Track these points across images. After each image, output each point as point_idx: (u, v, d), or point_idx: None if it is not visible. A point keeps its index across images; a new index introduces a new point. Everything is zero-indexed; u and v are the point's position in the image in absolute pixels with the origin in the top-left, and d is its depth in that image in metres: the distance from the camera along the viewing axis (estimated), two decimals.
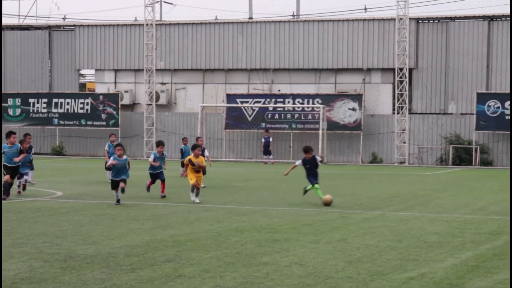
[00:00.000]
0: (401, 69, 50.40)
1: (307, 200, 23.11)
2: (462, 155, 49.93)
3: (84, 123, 55.56)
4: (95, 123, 55.44)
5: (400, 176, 36.91)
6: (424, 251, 13.40)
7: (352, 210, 20.44)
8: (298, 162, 22.71)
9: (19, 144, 22.51)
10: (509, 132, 48.62)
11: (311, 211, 19.89)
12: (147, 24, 54.06)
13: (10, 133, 22.31)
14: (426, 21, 52.06)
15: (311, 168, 22.41)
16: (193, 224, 16.86)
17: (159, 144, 24.72)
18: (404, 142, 51.06)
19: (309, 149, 22.70)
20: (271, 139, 51.21)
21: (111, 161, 21.43)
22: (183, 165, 29.76)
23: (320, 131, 51.30)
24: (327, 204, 21.19)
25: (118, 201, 20.91)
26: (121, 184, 20.85)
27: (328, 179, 34.12)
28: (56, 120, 55.95)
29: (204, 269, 10.91)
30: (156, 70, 54.75)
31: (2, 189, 21.47)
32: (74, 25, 58.47)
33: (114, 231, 15.48)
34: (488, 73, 50.71)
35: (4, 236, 14.38)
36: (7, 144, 22.07)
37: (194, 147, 22.69)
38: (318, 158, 22.72)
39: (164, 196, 23.35)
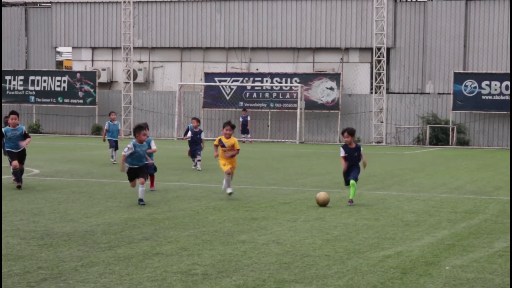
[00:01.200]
0: (379, 49, 50.46)
1: (285, 178, 23.15)
2: (439, 135, 50.17)
3: (61, 101, 55.28)
4: (72, 101, 55.18)
5: (378, 156, 37.03)
6: (401, 229, 13.48)
7: (329, 189, 20.49)
8: (341, 151, 17.33)
9: (23, 127, 19.44)
10: (485, 112, 48.88)
11: (288, 190, 19.92)
12: (124, 2, 53.74)
13: (11, 113, 19.27)
14: (404, 0, 52.11)
15: (351, 159, 17.22)
16: (170, 202, 16.85)
17: (141, 128, 16.99)
18: (382, 122, 51.20)
19: (352, 131, 17.33)
20: (249, 118, 51.19)
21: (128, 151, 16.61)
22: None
23: (298, 110, 51.32)
24: (322, 203, 16.56)
25: (140, 200, 16.29)
26: (140, 179, 16.52)
27: (306, 158, 34.18)
28: (32, 98, 55.63)
29: (182, 247, 10.92)
30: (134, 48, 54.50)
31: (14, 177, 19.28)
32: (50, 2, 57.97)
33: (91, 209, 15.45)
34: (466, 53, 50.88)
35: None
36: (9, 126, 19.19)
37: (226, 124, 18.56)
38: (362, 152, 17.31)
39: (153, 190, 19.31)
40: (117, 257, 10.38)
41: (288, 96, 52.67)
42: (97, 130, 54.32)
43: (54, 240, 11.51)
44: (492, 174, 26.56)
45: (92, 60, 57.23)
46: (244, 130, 51.06)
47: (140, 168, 16.59)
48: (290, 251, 11.14)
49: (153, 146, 18.17)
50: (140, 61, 56.21)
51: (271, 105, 52.90)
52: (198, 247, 11.24)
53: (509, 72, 48.82)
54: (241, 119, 51.33)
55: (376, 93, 51.20)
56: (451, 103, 49.66)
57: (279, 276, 9.41)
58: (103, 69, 56.24)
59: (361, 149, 17.26)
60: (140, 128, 16.71)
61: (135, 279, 9.07)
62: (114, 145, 28.76)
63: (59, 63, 65.27)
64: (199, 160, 26.52)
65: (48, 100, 55.39)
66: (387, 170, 27.46)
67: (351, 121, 52.08)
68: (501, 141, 49.53)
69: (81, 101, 55.05)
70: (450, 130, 49.81)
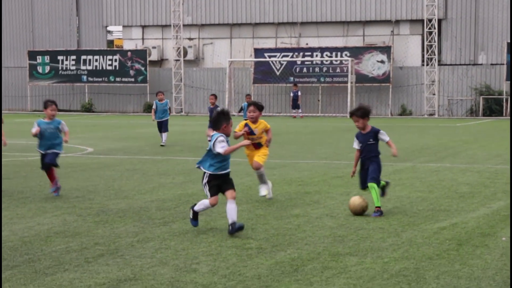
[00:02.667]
0: (430, 20, 49.89)
1: (337, 152, 23.09)
2: (492, 106, 49.55)
3: (112, 79, 55.70)
4: (123, 79, 55.56)
5: (430, 128, 36.72)
6: (456, 201, 13.37)
7: (382, 162, 20.37)
8: (355, 141, 12.51)
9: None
10: None
11: (340, 164, 19.86)
12: None
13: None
14: None
15: (365, 150, 12.33)
16: None
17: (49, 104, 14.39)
18: (434, 94, 50.72)
19: (364, 112, 12.32)
20: (299, 93, 51.07)
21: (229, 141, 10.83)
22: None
23: (349, 84, 51.06)
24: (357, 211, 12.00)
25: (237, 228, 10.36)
26: (231, 193, 10.64)
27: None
28: (85, 77, 56.12)
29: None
30: (184, 25, 54.59)
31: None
32: None
33: (145, 185, 15.58)
34: None
35: (37, 192, 14.54)
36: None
37: (250, 104, 14.11)
38: (385, 138, 12.22)
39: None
40: (172, 233, 10.47)
41: (338, 70, 52.41)
42: (148, 108, 54.60)
43: (110, 217, 11.64)
44: None
45: (143, 39, 57.50)
46: (295, 105, 50.97)
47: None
48: (344, 224, 11.13)
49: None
50: (190, 39, 56.33)
51: (322, 79, 52.69)
52: (252, 222, 11.28)
53: None
54: (291, 94, 51.24)
55: (427, 65, 50.68)
56: (504, 74, 48.97)
57: (334, 249, 9.42)
58: (154, 47, 56.50)
59: (381, 133, 12.14)
60: None
61: (191, 254, 9.14)
62: (161, 127, 26.67)
63: (110, 42, 65.71)
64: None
65: (100, 79, 55.85)
66: (440, 142, 27.22)
67: (402, 94, 51.68)
68: None
69: (132, 79, 55.41)
70: (504, 101, 49.15)
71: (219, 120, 10.52)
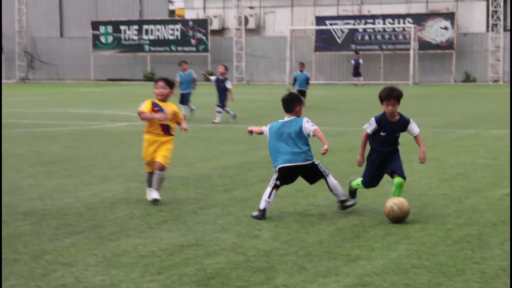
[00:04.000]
0: None
1: None
2: None
3: (174, 49, 55.97)
4: (185, 49, 55.78)
5: (494, 95, 36.17)
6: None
7: (445, 129, 20.18)
8: (370, 123, 9.77)
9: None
10: None
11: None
12: None
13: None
14: None
15: (389, 142, 9.76)
16: None
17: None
18: (499, 60, 49.90)
19: (399, 95, 9.62)
20: (361, 61, 50.71)
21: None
22: (300, 92, 26.61)
23: (412, 52, 50.51)
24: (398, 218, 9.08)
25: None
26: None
27: (421, 99, 33.69)
28: (147, 47, 56.49)
29: (297, 189, 10.95)
30: None
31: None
32: None
33: (207, 153, 15.68)
34: None
35: (101, 159, 14.73)
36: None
37: (159, 80, 11.14)
38: (415, 130, 9.76)
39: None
40: (233, 199, 10.53)
41: (400, 37, 51.88)
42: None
43: (172, 184, 11.74)
44: None
45: (204, 8, 57.62)
46: (356, 73, 50.66)
47: None
48: (406, 191, 11.04)
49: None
50: (251, 7, 56.25)
51: (384, 47, 52.21)
52: (313, 189, 11.25)
53: None
54: (353, 62, 50.92)
55: (492, 31, 49.83)
56: None
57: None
58: (215, 17, 56.59)
59: (412, 123, 9.66)
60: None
61: (253, 220, 9.18)
62: (185, 100, 25.20)
63: (171, 12, 65.98)
64: (219, 112, 23.32)
65: (161, 49, 56.16)
66: (505, 109, 26.80)
67: (466, 60, 50.98)
68: None
69: (194, 48, 55.62)
70: None
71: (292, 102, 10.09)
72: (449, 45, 50.79)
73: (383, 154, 9.69)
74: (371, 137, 9.74)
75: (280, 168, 9.52)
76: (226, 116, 23.97)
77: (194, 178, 12.39)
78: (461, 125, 21.35)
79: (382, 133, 9.62)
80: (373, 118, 9.71)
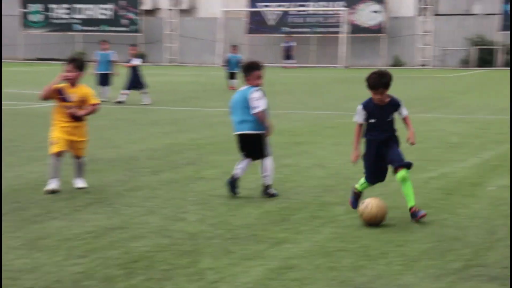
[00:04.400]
0: None
1: (329, 103, 23.07)
2: (485, 57, 49.49)
3: (106, 29, 55.36)
4: (117, 29, 55.22)
5: (423, 79, 36.67)
6: (446, 151, 13.40)
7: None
8: (358, 112, 8.78)
9: None
10: None
11: (332, 114, 19.86)
12: None
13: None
14: None
15: (383, 128, 8.69)
16: (213, 127, 16.89)
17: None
18: (427, 45, 50.55)
19: (386, 82, 8.72)
20: (292, 44, 50.86)
21: None
22: (231, 76, 27.91)
23: (343, 35, 50.85)
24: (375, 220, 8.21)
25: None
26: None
27: (350, 83, 33.97)
28: (78, 26, 55.75)
29: (225, 172, 10.95)
30: None
31: None
32: None
33: (135, 135, 15.57)
34: None
35: (27, 140, 14.49)
36: None
37: (69, 61, 10.22)
38: (404, 112, 8.81)
39: None
40: (161, 181, 10.48)
41: (332, 20, 52.16)
42: (141, 58, 54.44)
43: (99, 166, 11.63)
44: None
45: None
46: (288, 56, 50.80)
47: None
48: (333, 174, 11.15)
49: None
50: None
51: (316, 30, 52.45)
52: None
53: None
54: (284, 45, 51.03)
55: (422, 15, 50.43)
56: (498, 24, 48.80)
57: (323, 199, 9.44)
58: None
59: (402, 106, 8.73)
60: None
61: (179, 203, 9.16)
62: (103, 81, 24.33)
63: None
64: (144, 93, 23.02)
65: (93, 29, 55.51)
66: (432, 93, 27.21)
67: (396, 44, 51.53)
68: None
69: (126, 29, 55.09)
70: (497, 51, 49.06)
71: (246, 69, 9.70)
72: (379, 29, 51.27)
73: (378, 143, 8.55)
74: (368, 121, 8.61)
75: (235, 137, 9.71)
76: (157, 98, 23.86)
77: (121, 160, 12.29)
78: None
79: (372, 120, 8.56)
80: (360, 106, 8.70)
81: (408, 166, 8.43)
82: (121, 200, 9.28)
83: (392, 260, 6.83)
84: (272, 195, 9.53)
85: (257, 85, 9.59)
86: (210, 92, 26.65)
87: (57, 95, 9.86)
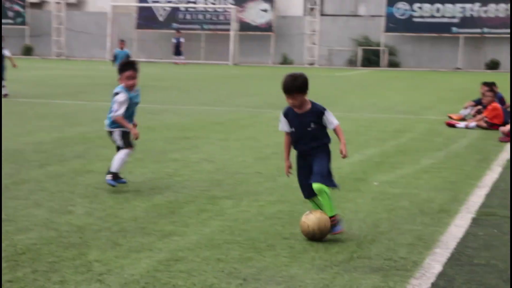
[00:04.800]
0: None
1: (218, 99, 23.18)
2: (370, 57, 50.60)
3: None
4: (3, 21, 53.98)
5: (310, 78, 37.13)
6: (331, 147, 13.62)
7: (261, 109, 20.59)
8: (281, 120, 7.88)
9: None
10: (416, 34, 49.31)
11: (220, 110, 19.97)
12: None
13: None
14: None
15: (303, 138, 7.70)
16: (102, 121, 16.58)
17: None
18: (314, 44, 51.30)
19: (299, 86, 7.64)
20: (182, 40, 50.80)
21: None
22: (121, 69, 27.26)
23: (232, 32, 51.07)
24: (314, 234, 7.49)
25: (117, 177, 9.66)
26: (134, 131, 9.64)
27: (239, 79, 34.18)
28: None
29: None
30: None
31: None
32: None
33: (21, 128, 15.30)
34: None
35: None
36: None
37: None
38: (333, 121, 7.66)
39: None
40: (48, 175, 10.35)
41: (222, 18, 52.34)
42: (27, 51, 53.35)
43: None
44: (421, 95, 26.98)
45: None
46: (177, 52, 50.72)
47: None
48: (221, 169, 11.24)
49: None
50: None
51: (205, 27, 52.52)
52: (130, 165, 11.23)
53: None
54: (174, 41, 50.92)
55: (309, 15, 51.15)
56: (383, 26, 49.95)
57: (210, 193, 9.51)
58: None
59: (328, 113, 7.62)
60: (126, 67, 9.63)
61: (67, 196, 9.07)
62: None
63: None
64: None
65: None
66: (319, 91, 27.63)
67: (284, 43, 52.09)
68: (430, 63, 50.15)
69: (11, 21, 53.88)
70: (382, 52, 50.21)
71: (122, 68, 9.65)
72: (268, 27, 51.72)
73: (304, 154, 7.70)
74: (293, 134, 7.74)
75: None
76: (45, 92, 23.47)
77: (7, 153, 12.06)
78: (277, 105, 21.84)
79: (292, 129, 7.70)
80: (281, 112, 7.81)
81: (322, 180, 7.51)
82: (6, 193, 9.12)
83: (279, 252, 6.95)
84: (109, 183, 9.48)
85: (127, 86, 9.48)
86: (99, 86, 26.38)
87: None
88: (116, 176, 9.55)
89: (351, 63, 51.09)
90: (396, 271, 6.41)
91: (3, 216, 8.01)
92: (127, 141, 9.71)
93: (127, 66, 9.56)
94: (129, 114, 9.68)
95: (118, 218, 8.10)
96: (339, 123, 7.73)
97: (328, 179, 7.63)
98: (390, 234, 7.65)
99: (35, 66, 26.61)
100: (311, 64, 51.26)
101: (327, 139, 7.75)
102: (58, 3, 53.63)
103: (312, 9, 51.16)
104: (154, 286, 5.92)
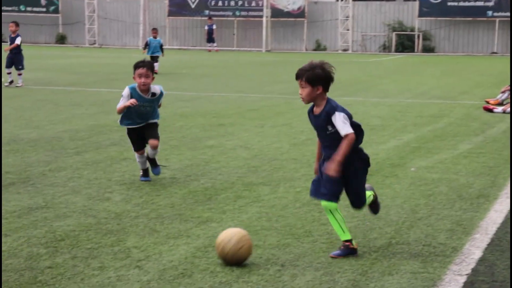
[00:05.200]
0: None
1: (252, 86, 23.14)
2: (404, 42, 50.23)
3: (23, 9, 54.34)
4: (34, 9, 54.27)
5: (344, 63, 37.03)
6: (367, 133, 13.41)
7: (295, 96, 20.49)
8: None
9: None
10: (451, 19, 48.89)
11: (255, 97, 19.93)
12: None
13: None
14: None
15: (323, 141, 6.78)
16: None
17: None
18: (348, 30, 51.05)
19: (313, 73, 6.43)
20: (214, 27, 50.79)
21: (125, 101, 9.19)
22: (152, 58, 27.18)
23: (264, 19, 50.97)
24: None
25: (146, 171, 9.50)
26: (152, 142, 9.40)
27: (272, 66, 34.11)
28: None
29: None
30: None
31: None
32: None
33: (57, 116, 15.37)
34: None
35: None
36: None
37: None
38: (340, 128, 6.46)
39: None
40: (85, 162, 10.39)
41: (254, 4, 52.22)
42: (61, 39, 53.66)
43: (21, 146, 11.47)
44: (457, 80, 26.73)
45: None
46: (210, 39, 50.71)
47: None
48: (257, 155, 11.21)
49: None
50: None
51: (237, 13, 52.44)
52: (166, 152, 11.26)
53: None
54: (206, 28, 50.92)
55: (342, 0, 50.89)
56: (417, 10, 49.56)
57: (247, 179, 9.49)
58: None
59: (336, 116, 6.49)
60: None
61: (104, 183, 9.10)
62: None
63: None
64: (20, 74, 22.22)
65: (9, 8, 54.41)
66: (353, 77, 27.51)
67: (317, 29, 51.88)
68: (466, 47, 49.69)
69: (44, 9, 54.18)
70: (416, 37, 49.85)
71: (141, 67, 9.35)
72: (300, 13, 51.53)
73: (324, 158, 6.80)
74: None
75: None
76: (86, 81, 23.56)
77: (43, 141, 12.13)
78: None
79: (316, 131, 6.83)
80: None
81: (326, 197, 6.52)
82: (44, 180, 9.17)
83: (316, 238, 6.92)
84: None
85: (139, 84, 9.17)
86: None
87: None
88: (143, 173, 9.47)
89: (385, 48, 50.79)
90: (435, 257, 6.36)
91: (41, 203, 8.05)
92: (132, 140, 9.44)
93: (139, 64, 9.28)
94: (138, 114, 9.27)
95: (155, 204, 8.11)
96: (352, 132, 6.44)
97: (332, 196, 6.50)
98: (429, 220, 7.58)
99: (68, 54, 26.69)
100: (345, 50, 51.05)
101: (336, 143, 6.53)
102: None
103: None
104: (192, 272, 5.92)
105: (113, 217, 7.55)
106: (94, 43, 53.80)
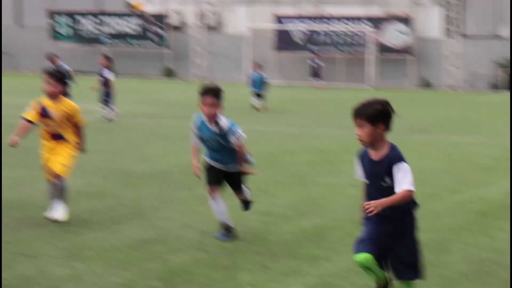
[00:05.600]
0: None
1: None
2: None
3: (133, 43, 55.68)
4: (143, 43, 55.52)
5: (452, 101, 36.60)
6: (478, 174, 13.36)
7: (403, 133, 20.36)
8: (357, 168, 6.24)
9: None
10: None
11: None
12: None
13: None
14: None
15: (375, 193, 5.86)
16: (246, 145, 16.89)
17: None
18: (455, 67, 50.48)
19: (374, 109, 6.27)
20: (320, 62, 50.93)
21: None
22: (258, 95, 27.05)
23: (370, 55, 50.89)
24: None
25: (227, 230, 8.39)
26: (240, 197, 8.83)
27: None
28: (105, 40, 56.12)
29: (259, 189, 10.98)
30: None
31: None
32: None
33: (167, 149, 15.65)
34: None
35: None
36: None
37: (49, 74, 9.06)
38: (404, 184, 5.77)
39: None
40: (195, 196, 10.52)
41: (359, 40, 52.20)
42: (168, 73, 54.72)
43: (134, 179, 11.72)
44: None
45: (163, 2, 57.38)
46: (315, 74, 50.87)
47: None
48: None
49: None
50: (210, 4, 56.19)
51: (342, 49, 52.51)
52: (275, 189, 11.33)
53: None
54: (312, 63, 51.12)
55: (449, 37, 50.42)
56: None
57: (356, 218, 9.42)
58: (174, 12, 56.41)
59: (399, 166, 5.99)
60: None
61: (215, 218, 9.18)
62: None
63: (127, 4, 65.56)
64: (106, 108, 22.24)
65: (120, 42, 55.81)
66: (462, 115, 27.14)
67: (423, 66, 51.47)
68: None
69: (152, 43, 55.39)
70: None
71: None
72: (407, 49, 51.24)
73: (372, 217, 5.79)
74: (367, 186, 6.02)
75: None
76: (187, 113, 23.91)
77: (156, 174, 12.37)
78: (419, 129, 21.57)
79: (366, 180, 5.99)
80: (356, 160, 6.17)
81: (414, 275, 5.94)
82: (156, 213, 9.35)
83: (430, 280, 6.83)
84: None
85: (203, 113, 8.38)
86: (239, 108, 26.68)
87: (41, 112, 8.86)
88: (225, 229, 8.34)
89: (494, 86, 49.94)
90: None
91: (155, 236, 8.20)
92: (208, 178, 8.54)
93: (205, 91, 8.34)
94: (209, 147, 8.57)
95: (266, 241, 8.16)
96: (413, 190, 5.67)
97: (418, 273, 5.89)
98: None
99: (176, 88, 27.09)
100: (452, 87, 50.43)
101: (410, 203, 5.76)
102: (198, 25, 54.77)
103: (450, 30, 50.41)
104: None
105: (225, 252, 7.64)
106: (203, 78, 54.65)
